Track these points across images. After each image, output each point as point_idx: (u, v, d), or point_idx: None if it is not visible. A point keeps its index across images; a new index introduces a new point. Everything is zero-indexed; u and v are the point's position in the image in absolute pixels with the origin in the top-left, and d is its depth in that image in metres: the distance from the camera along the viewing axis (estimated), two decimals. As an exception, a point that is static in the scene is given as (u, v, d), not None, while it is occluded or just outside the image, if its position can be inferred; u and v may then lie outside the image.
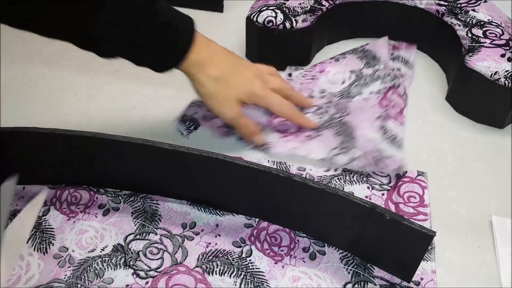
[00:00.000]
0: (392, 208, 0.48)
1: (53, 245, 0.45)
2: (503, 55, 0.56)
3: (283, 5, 0.62)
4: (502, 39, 0.58)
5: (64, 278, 0.43)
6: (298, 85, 0.61)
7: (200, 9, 0.77)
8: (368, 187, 0.50)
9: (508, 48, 0.57)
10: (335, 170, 0.52)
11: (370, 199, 0.49)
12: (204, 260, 0.44)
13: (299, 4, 0.63)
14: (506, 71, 0.54)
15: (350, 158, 0.52)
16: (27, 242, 0.45)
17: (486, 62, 0.55)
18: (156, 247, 0.45)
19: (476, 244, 0.46)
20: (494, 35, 0.58)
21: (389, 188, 0.50)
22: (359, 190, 0.50)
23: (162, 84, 0.63)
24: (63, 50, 0.69)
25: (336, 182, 0.51)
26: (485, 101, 0.57)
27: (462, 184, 0.52)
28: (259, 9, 0.62)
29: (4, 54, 0.68)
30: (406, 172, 0.51)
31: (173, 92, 0.62)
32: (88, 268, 0.43)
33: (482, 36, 0.59)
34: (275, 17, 0.61)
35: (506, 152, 0.55)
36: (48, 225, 0.47)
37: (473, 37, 0.59)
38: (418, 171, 0.51)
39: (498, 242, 0.45)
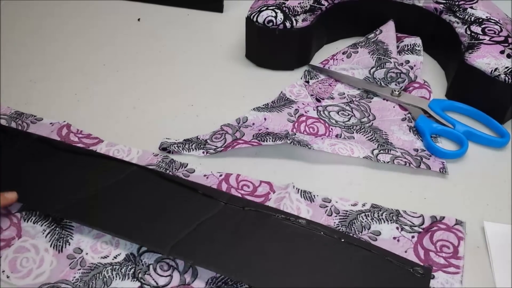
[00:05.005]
0: (421, 254, 0.44)
1: (69, 244, 0.44)
2: (502, 52, 0.56)
3: (283, 5, 0.62)
4: (500, 36, 0.58)
5: (72, 280, 0.42)
6: (317, 90, 0.62)
7: (200, 9, 0.77)
8: (397, 228, 0.46)
9: (507, 44, 0.57)
10: (363, 205, 0.48)
11: (398, 241, 0.45)
12: (213, 283, 0.42)
13: (298, 3, 0.63)
14: (506, 67, 0.55)
15: (392, 157, 0.52)
16: (45, 237, 0.45)
17: (486, 59, 0.56)
18: (167, 263, 0.43)
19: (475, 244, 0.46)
20: (492, 32, 0.59)
21: (420, 230, 0.46)
22: (387, 230, 0.46)
23: (162, 85, 0.63)
24: (63, 50, 0.69)
25: (363, 218, 0.47)
26: (485, 98, 0.57)
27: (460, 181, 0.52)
28: (258, 9, 0.62)
29: (4, 54, 0.68)
30: (444, 217, 0.47)
31: (173, 92, 0.62)
32: (98, 275, 0.42)
33: (481, 33, 0.59)
34: (275, 17, 0.61)
35: (506, 148, 0.55)
36: (69, 222, 0.46)
37: (472, 34, 0.59)
38: (456, 220, 0.47)
39: (491, 247, 0.45)
